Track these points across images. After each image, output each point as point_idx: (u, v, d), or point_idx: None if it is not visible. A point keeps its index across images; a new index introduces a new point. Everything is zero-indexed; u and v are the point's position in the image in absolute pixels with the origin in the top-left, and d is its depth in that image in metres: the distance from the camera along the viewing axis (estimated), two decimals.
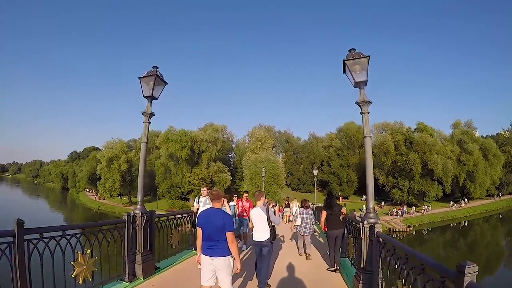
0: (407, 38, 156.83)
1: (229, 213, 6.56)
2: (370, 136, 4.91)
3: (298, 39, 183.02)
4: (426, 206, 47.42)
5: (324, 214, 6.76)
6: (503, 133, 66.20)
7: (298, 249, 8.10)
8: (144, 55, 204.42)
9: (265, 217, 4.92)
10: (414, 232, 38.28)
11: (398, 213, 44.61)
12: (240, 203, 9.18)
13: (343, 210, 6.97)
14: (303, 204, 8.07)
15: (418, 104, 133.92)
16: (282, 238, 11.11)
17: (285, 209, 18.57)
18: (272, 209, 5.46)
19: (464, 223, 43.69)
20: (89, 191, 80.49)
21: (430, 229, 40.19)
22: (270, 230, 4.94)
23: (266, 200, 21.05)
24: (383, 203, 51.40)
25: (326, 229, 6.91)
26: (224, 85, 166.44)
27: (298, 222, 7.93)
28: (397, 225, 40.05)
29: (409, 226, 39.64)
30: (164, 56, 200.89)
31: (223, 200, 4.10)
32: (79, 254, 3.94)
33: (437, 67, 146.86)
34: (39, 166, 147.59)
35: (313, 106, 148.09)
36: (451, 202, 50.02)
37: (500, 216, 48.30)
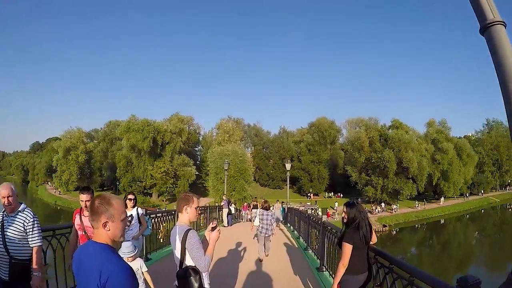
0: (384, 34, 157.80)
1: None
2: (505, 24, 2.58)
3: (270, 29, 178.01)
4: (395, 206, 46.39)
5: (349, 249, 3.20)
6: (473, 135, 67.08)
7: (259, 253, 7.55)
8: (116, 40, 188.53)
9: (180, 248, 2.48)
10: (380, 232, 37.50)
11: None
12: None
13: (374, 235, 3.53)
14: (263, 205, 8.36)
15: (392, 101, 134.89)
16: (245, 243, 9.09)
17: (253, 210, 16.89)
18: (195, 238, 2.42)
19: (441, 221, 44.54)
20: (50, 184, 74.50)
21: (398, 229, 39.76)
22: (181, 274, 2.42)
23: (229, 201, 17.43)
24: (359, 199, 50.12)
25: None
26: (192, 75, 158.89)
27: (256, 223, 8.20)
28: (372, 225, 38.80)
29: (384, 226, 39.27)
30: (133, 43, 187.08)
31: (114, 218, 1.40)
32: None
33: (412, 65, 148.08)
34: (1, 157, 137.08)
35: (284, 100, 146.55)
36: (416, 203, 48.65)
37: (467, 216, 49.11)
